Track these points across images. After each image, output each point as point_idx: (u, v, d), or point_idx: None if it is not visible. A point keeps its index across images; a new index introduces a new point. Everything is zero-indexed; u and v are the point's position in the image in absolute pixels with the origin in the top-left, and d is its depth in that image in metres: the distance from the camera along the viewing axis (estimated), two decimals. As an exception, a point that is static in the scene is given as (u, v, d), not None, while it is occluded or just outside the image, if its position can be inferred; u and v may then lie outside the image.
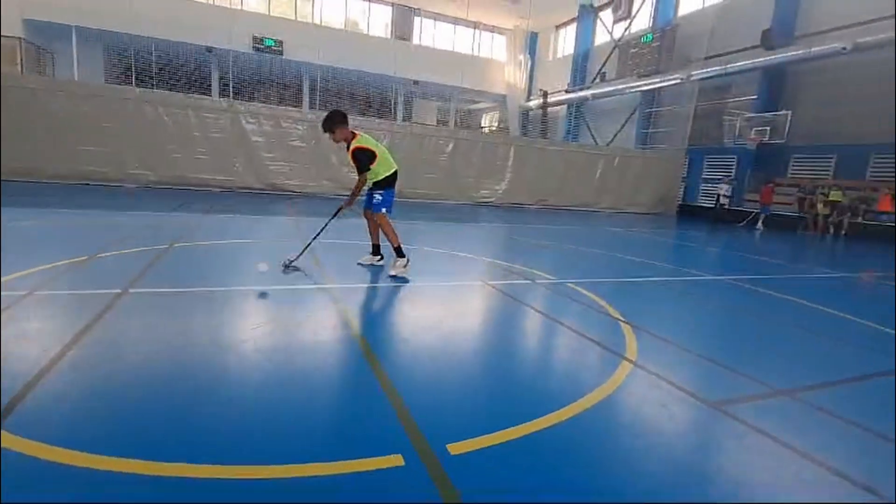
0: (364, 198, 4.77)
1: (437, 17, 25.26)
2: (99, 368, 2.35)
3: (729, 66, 15.40)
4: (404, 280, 4.52)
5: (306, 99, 25.11)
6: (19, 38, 19.71)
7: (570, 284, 4.73)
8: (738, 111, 15.72)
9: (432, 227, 9.05)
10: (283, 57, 22.96)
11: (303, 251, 4.63)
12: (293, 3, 23.65)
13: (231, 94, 23.25)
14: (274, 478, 1.62)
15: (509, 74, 25.62)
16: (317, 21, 23.91)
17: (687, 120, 16.98)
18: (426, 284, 4.61)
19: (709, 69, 16.00)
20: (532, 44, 25.87)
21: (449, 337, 3.28)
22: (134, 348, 2.64)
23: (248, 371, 2.48)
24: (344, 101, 23.71)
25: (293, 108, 14.59)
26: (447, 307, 4.02)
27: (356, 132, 4.59)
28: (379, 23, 25.05)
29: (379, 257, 4.95)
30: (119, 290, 3.49)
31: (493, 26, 25.74)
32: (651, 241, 9.85)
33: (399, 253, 4.66)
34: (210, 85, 23.68)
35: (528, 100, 25.53)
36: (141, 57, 22.49)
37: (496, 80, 25.95)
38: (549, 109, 23.86)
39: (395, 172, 4.73)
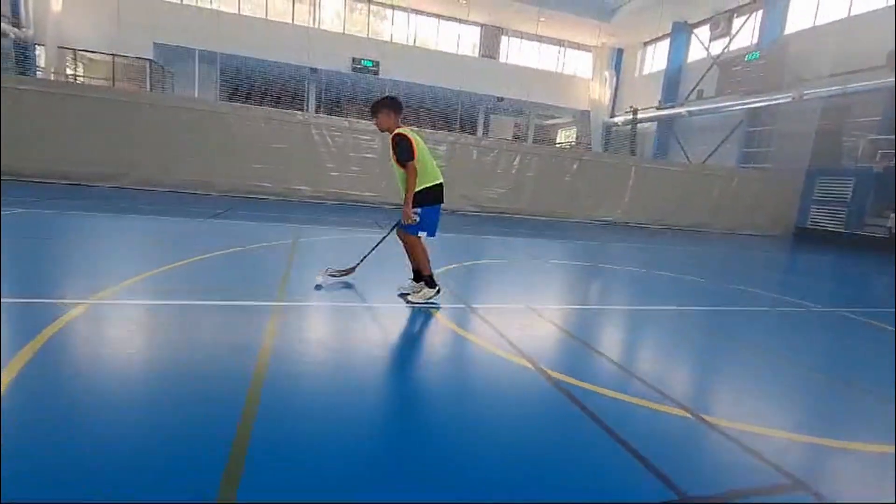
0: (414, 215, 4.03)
1: (523, 35, 26.01)
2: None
3: (849, 86, 15.31)
4: (431, 305, 4.00)
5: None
6: (149, 59, 21.60)
7: (844, 312, 5.12)
8: (859, 132, 15.57)
9: (604, 249, 9.53)
10: (378, 76, 24.15)
11: (359, 262, 4.43)
12: (390, 26, 24.91)
13: (327, 110, 24.68)
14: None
15: (594, 91, 26.02)
16: (410, 42, 25.07)
17: (806, 139, 16.87)
18: (727, 310, 4.98)
19: (826, 89, 15.92)
20: (618, 60, 26.19)
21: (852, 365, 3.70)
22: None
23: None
24: (434, 117, 24.77)
25: (438, 131, 15.41)
26: (795, 335, 4.28)
27: (401, 125, 4.01)
28: (467, 42, 26.02)
29: (436, 290, 4.11)
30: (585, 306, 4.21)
31: (579, 44, 26.24)
32: (844, 270, 9.95)
33: (430, 283, 4.09)
34: (308, 102, 25.23)
35: (612, 116, 25.83)
36: (252, 76, 24.12)
37: (578, 96, 26.38)
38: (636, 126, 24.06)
39: (441, 185, 4.05)
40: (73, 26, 20.00)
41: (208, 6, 22.58)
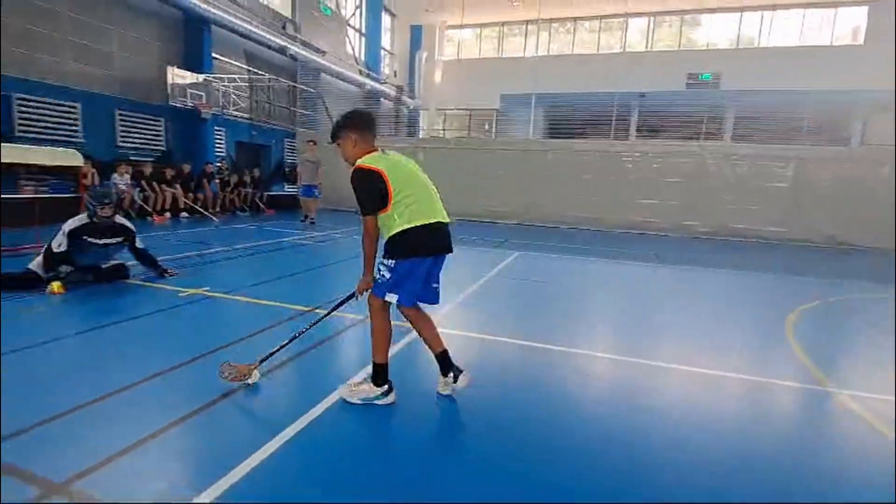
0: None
1: (941, 3, 19.20)
2: None
3: None
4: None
5: (729, 131, 23.15)
6: (495, 109, 24.71)
7: None
8: None
9: None
10: (718, 88, 21.63)
11: (281, 347, 2.81)
12: (737, 30, 22.12)
13: (648, 134, 23.33)
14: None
15: None
16: (763, 44, 21.66)
17: None
18: None
19: None
20: None
21: None
22: None
23: None
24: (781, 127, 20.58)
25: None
26: None
27: (377, 148, 2.56)
28: (845, 29, 20.87)
29: (385, 388, 2.57)
30: None
31: None
32: None
33: (378, 377, 2.54)
34: (630, 127, 24.49)
35: None
36: (575, 110, 24.93)
37: None
38: None
39: (433, 227, 2.49)
40: (444, 92, 24.69)
41: (545, 53, 24.58)
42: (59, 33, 10.02)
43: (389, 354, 2.61)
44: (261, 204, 13.63)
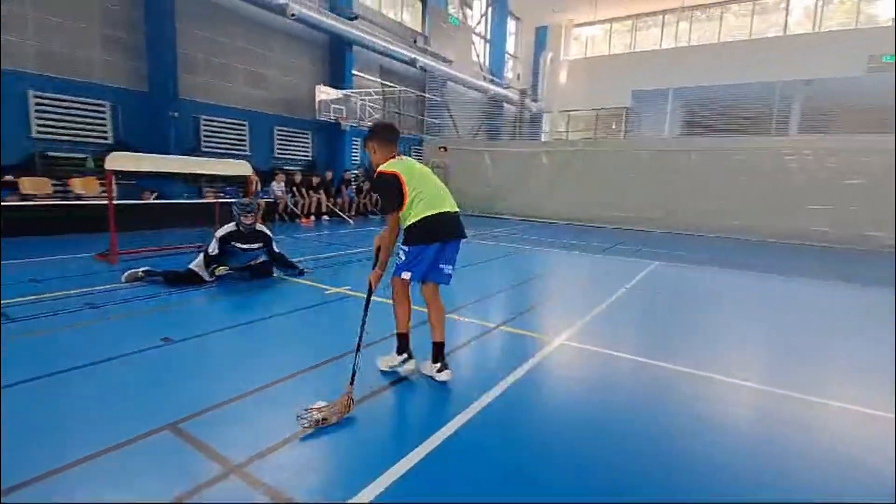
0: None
1: None
2: None
3: None
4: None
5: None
6: (626, 107, 23.16)
7: None
8: None
9: None
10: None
11: (357, 352, 2.72)
12: (939, -2, 17.99)
13: (813, 128, 19.90)
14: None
15: None
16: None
17: None
18: None
19: None
20: None
21: None
22: None
23: None
24: None
25: None
26: None
27: (395, 155, 2.99)
28: None
29: (404, 357, 3.03)
30: None
31: None
32: None
33: (400, 345, 3.03)
34: (790, 121, 21.21)
35: None
36: (717, 104, 22.34)
37: None
38: None
39: (438, 217, 2.87)
40: (569, 92, 23.90)
41: (685, 44, 22.51)
42: (232, 62, 11.70)
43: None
44: (390, 208, 14.42)
